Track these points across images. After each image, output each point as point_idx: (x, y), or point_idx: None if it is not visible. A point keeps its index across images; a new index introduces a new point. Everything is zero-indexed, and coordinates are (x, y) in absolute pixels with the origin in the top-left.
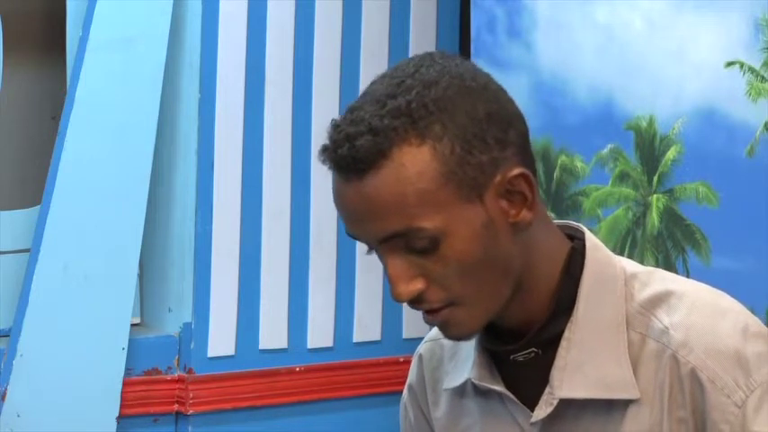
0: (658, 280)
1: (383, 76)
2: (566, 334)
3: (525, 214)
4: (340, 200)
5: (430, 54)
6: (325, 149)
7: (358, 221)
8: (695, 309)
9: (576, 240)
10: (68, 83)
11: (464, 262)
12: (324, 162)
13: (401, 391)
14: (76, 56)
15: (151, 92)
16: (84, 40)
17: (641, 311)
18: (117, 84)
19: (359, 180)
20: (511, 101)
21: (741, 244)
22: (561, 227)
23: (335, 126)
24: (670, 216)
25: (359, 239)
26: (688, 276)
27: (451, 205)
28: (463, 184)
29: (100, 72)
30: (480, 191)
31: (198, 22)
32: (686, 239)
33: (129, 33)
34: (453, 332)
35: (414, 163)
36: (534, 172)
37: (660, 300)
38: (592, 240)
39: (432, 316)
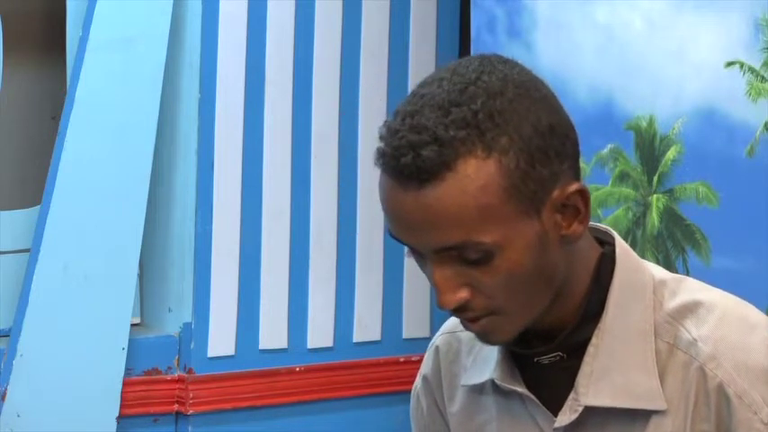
0: (687, 289)
1: (440, 79)
2: (593, 340)
3: (576, 227)
4: (394, 206)
5: (488, 58)
6: (383, 154)
7: (412, 230)
8: (724, 322)
9: (606, 245)
10: (68, 83)
11: (514, 274)
12: (382, 168)
13: (401, 391)
14: (76, 56)
15: (151, 92)
16: (84, 40)
17: (669, 321)
18: (117, 84)
19: (418, 189)
20: (565, 111)
21: (741, 244)
22: (591, 230)
23: (395, 131)
24: (670, 216)
25: (408, 245)
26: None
27: (511, 220)
28: (524, 198)
29: (100, 72)
30: (538, 205)
31: (198, 22)
32: (686, 239)
33: (129, 33)
34: (491, 339)
35: (479, 176)
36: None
37: (689, 310)
38: (622, 246)
39: (472, 323)
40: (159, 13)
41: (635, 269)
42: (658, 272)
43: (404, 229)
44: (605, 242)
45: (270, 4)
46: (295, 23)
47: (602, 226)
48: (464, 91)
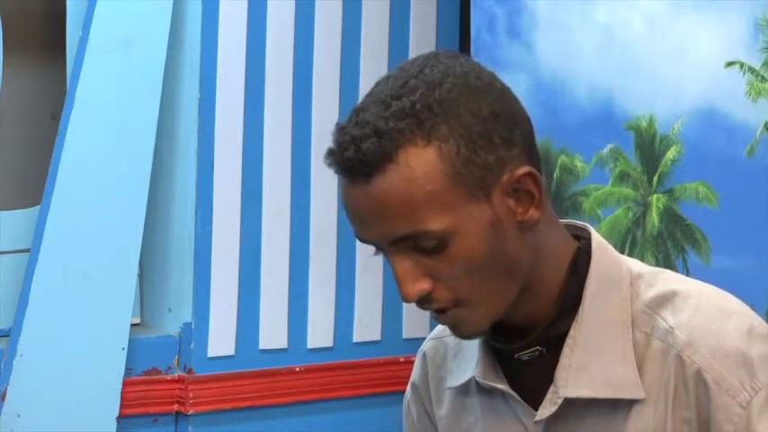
0: (664, 280)
1: (387, 77)
2: (571, 333)
3: (533, 213)
4: (347, 203)
5: (435, 54)
6: (330, 153)
7: (366, 224)
8: (700, 309)
9: (583, 240)
10: (68, 83)
11: (472, 262)
12: (330, 165)
13: (401, 391)
14: (76, 56)
15: (151, 92)
16: (84, 40)
17: (646, 311)
18: (117, 84)
19: (365, 183)
20: (516, 100)
21: (741, 244)
22: (567, 226)
23: (341, 129)
24: (670, 216)
25: (367, 242)
26: (688, 276)
27: (459, 206)
28: (470, 184)
29: (100, 72)
30: (487, 190)
31: (198, 22)
32: (686, 239)
33: (129, 33)
34: (462, 331)
35: (420, 165)
36: (540, 171)
37: (665, 300)
38: (598, 240)
39: (440, 315)
40: (159, 13)
41: (611, 262)
42: (636, 265)
43: (359, 225)
44: (582, 237)
45: (270, 4)
46: (295, 23)
47: (580, 222)
48: (405, 85)
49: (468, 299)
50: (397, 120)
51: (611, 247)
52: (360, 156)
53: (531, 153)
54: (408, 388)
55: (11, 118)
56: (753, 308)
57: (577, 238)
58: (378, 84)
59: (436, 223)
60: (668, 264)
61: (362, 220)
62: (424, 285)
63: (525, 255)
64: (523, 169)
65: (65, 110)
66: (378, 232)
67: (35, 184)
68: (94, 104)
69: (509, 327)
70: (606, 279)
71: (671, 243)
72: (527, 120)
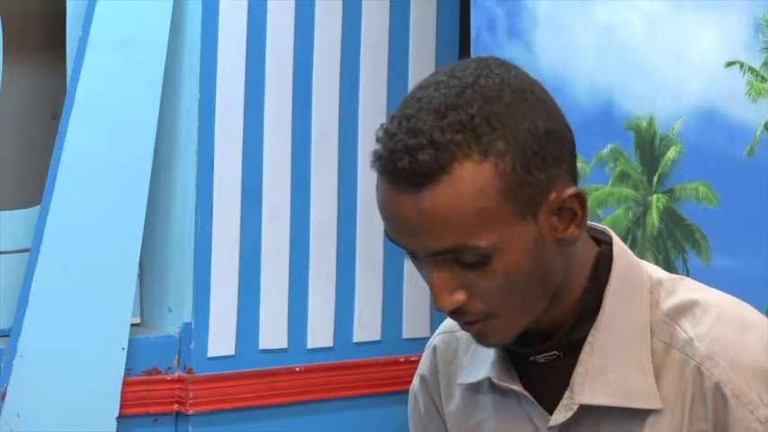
0: (684, 289)
1: (436, 82)
2: (589, 339)
3: (573, 231)
4: (391, 210)
5: (485, 61)
6: (379, 158)
7: (409, 234)
8: (721, 321)
9: (604, 245)
10: (68, 83)
11: (511, 278)
12: (378, 171)
13: (401, 391)
14: (76, 56)
15: (151, 92)
16: (84, 40)
17: (666, 320)
18: (117, 84)
19: (415, 193)
20: (562, 114)
21: (741, 244)
22: (588, 229)
23: (391, 135)
24: (670, 216)
25: (405, 249)
26: (688, 276)
27: (507, 224)
28: (521, 202)
29: (100, 72)
30: (535, 209)
31: (198, 22)
32: (686, 239)
33: (129, 34)
34: (489, 341)
35: (475, 180)
36: (576, 184)
37: (685, 309)
38: (619, 245)
39: (469, 326)
40: (159, 13)
41: (632, 268)
42: (656, 271)
43: (400, 233)
44: (602, 241)
45: (270, 5)
46: (295, 23)
47: (600, 225)
48: (461, 94)
49: (500, 312)
50: (454, 132)
51: (631, 253)
52: (415, 166)
53: (575, 169)
54: (416, 380)
55: (11, 118)
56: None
57: (597, 241)
58: (424, 87)
59: (483, 240)
60: (668, 264)
61: (406, 229)
62: (461, 297)
63: (560, 269)
64: (571, 190)
65: (65, 110)
66: (421, 243)
67: (35, 184)
68: (94, 104)
69: (529, 331)
70: (627, 285)
71: (671, 243)
72: (572, 134)
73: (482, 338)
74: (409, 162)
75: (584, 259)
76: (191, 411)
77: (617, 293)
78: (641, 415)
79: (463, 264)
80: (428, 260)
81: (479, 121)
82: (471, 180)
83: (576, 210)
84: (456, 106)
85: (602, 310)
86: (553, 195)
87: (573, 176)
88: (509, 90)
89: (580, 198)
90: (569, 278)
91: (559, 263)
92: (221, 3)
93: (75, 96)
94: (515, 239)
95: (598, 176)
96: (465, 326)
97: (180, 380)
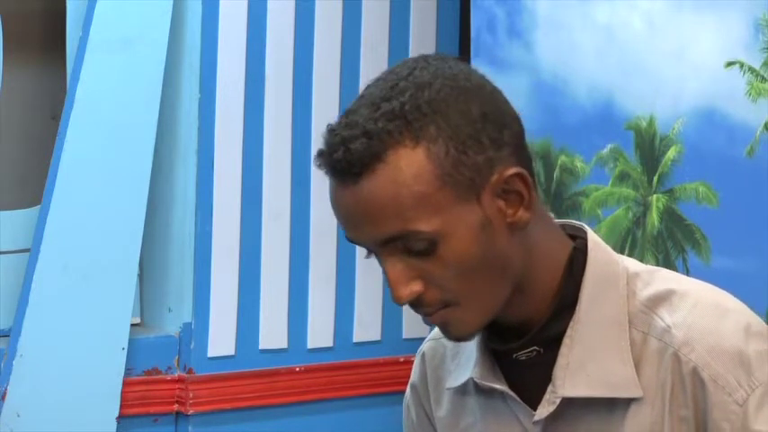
0: (661, 279)
1: (378, 80)
2: (568, 332)
3: (522, 214)
4: (337, 204)
5: (424, 56)
6: (320, 154)
7: (355, 225)
8: (697, 308)
9: (579, 239)
10: (68, 83)
11: (462, 263)
12: (320, 167)
13: (401, 391)
14: (76, 56)
15: (151, 92)
16: (84, 40)
17: (643, 310)
18: (117, 84)
19: (354, 184)
20: (506, 101)
21: (741, 244)
22: (563, 226)
23: (331, 131)
24: (670, 216)
25: (357, 243)
26: (688, 276)
27: (448, 207)
28: (459, 185)
29: (100, 72)
30: (477, 191)
31: (198, 22)
32: (686, 239)
33: (129, 34)
34: (453, 333)
35: (409, 165)
36: (531, 172)
37: (662, 298)
38: (593, 239)
39: (430, 317)
40: (159, 13)
41: (607, 261)
42: (632, 264)
43: (349, 227)
44: (579, 237)
45: (270, 5)
46: (295, 23)
47: (577, 222)
48: (395, 87)
49: (458, 300)
50: (386, 121)
51: (607, 246)
52: (348, 156)
53: (522, 154)
54: (408, 389)
55: (11, 118)
56: (752, 308)
57: (573, 237)
58: (368, 86)
59: (425, 224)
60: (668, 264)
61: (352, 221)
62: (416, 287)
63: (516, 256)
64: (512, 170)
65: (65, 110)
66: (367, 233)
67: (35, 184)
68: (94, 104)
69: (506, 327)
70: (602, 278)
71: (671, 243)
72: (517, 120)
73: (447, 330)
74: (343, 153)
75: (554, 253)
76: (191, 411)
77: (593, 287)
78: (623, 405)
79: (413, 252)
80: (380, 252)
81: (410, 108)
82: (406, 166)
83: (521, 191)
84: (389, 98)
85: (579, 303)
86: (494, 177)
87: (521, 161)
88: (441, 78)
89: (523, 178)
90: (536, 269)
91: (516, 250)
92: (221, 3)
93: (75, 96)
94: (459, 223)
95: (598, 176)
96: (426, 318)
97: (180, 380)
